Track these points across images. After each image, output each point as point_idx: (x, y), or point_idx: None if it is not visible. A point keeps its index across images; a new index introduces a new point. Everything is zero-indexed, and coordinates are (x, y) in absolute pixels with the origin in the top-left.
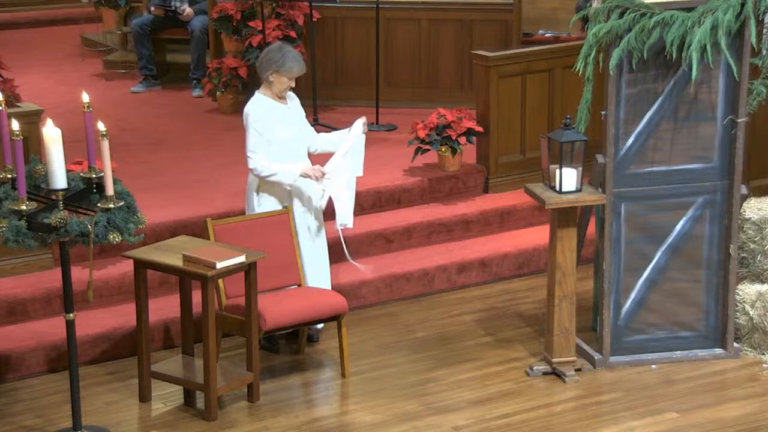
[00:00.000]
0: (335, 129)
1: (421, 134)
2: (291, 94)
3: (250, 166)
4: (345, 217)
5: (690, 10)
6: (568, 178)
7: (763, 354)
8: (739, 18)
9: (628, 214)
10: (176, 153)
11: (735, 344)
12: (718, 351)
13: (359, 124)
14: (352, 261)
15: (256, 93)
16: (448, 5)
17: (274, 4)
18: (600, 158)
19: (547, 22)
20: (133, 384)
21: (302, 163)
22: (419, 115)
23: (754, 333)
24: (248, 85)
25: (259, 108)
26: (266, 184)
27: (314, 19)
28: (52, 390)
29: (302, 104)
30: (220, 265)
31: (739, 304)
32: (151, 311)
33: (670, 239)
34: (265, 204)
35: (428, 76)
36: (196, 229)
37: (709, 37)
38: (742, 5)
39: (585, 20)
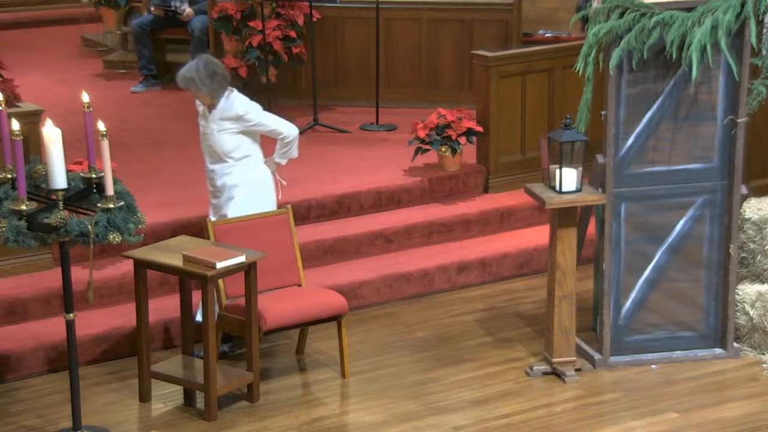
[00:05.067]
0: (335, 129)
1: (421, 134)
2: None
3: (289, 132)
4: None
5: (690, 10)
6: (568, 178)
7: (763, 354)
8: (739, 18)
9: (628, 214)
10: (176, 153)
11: (735, 344)
12: (718, 351)
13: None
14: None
15: (236, 92)
16: (448, 5)
17: (274, 4)
18: (600, 158)
19: (547, 22)
20: (133, 384)
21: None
22: (419, 115)
23: (754, 333)
24: (248, 84)
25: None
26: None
27: (314, 19)
28: (52, 390)
29: (302, 104)
30: (220, 265)
31: (739, 304)
32: (151, 311)
33: (670, 239)
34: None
35: (428, 76)
36: (196, 229)
37: (709, 37)
38: (742, 5)
39: (585, 20)
